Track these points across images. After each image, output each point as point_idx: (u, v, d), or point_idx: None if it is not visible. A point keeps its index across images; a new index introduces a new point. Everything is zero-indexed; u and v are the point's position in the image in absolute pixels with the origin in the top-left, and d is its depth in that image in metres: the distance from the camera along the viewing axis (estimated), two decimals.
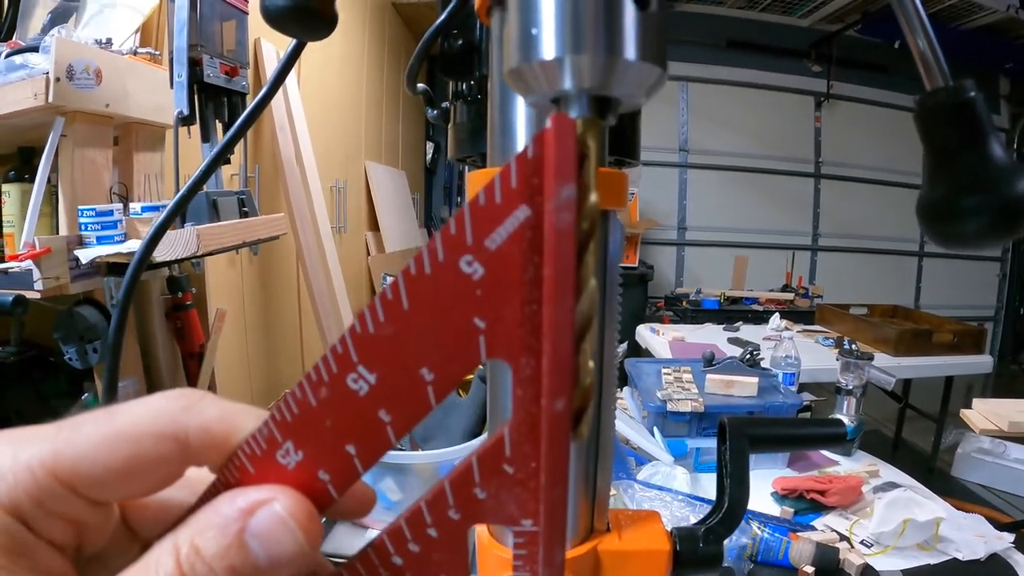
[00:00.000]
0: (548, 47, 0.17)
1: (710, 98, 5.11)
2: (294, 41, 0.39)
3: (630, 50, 0.17)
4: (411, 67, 0.45)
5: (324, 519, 0.17)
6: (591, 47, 0.17)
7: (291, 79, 2.17)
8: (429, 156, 4.95)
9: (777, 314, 2.53)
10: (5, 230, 1.40)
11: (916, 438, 3.50)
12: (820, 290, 4.72)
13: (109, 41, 1.34)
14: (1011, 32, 5.01)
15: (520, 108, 0.34)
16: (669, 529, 0.44)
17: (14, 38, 1.59)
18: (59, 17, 1.52)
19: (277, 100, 2.06)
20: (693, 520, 1.14)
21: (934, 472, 3.10)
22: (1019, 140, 5.59)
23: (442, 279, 0.15)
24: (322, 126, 2.56)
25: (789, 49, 5.05)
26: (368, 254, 3.31)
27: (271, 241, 1.42)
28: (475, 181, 0.37)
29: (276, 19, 0.34)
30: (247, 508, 0.17)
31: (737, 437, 0.45)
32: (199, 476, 0.19)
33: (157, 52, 1.41)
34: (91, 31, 1.44)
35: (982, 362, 2.79)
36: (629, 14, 0.17)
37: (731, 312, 3.99)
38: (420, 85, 0.47)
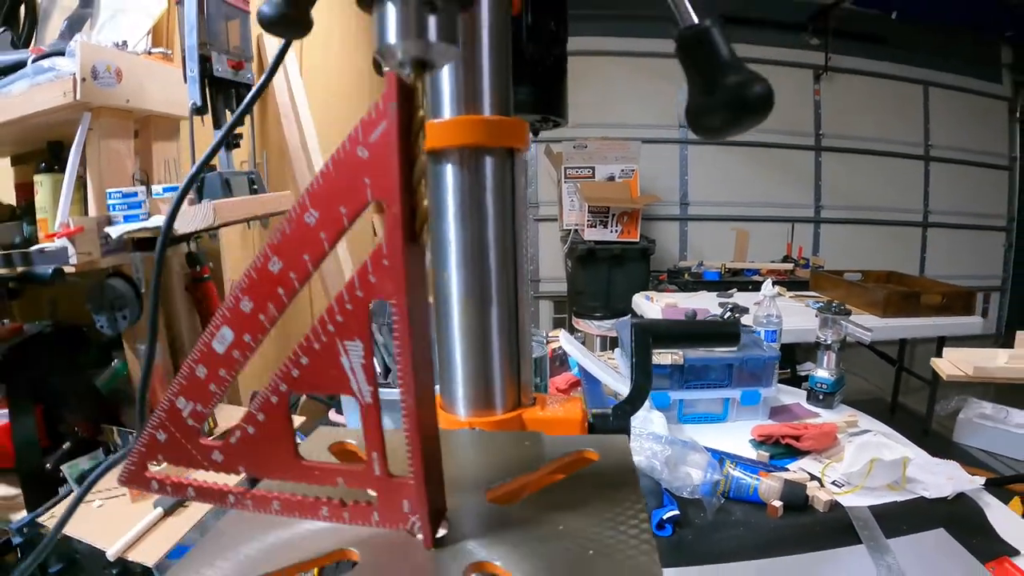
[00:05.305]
0: (391, 36, 0.31)
1: None
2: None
3: (432, 35, 0.31)
4: (377, 50, 0.57)
5: None
6: (412, 36, 0.31)
7: (293, 68, 2.29)
8: None
9: (769, 280, 2.62)
10: (39, 216, 1.54)
11: (919, 406, 3.55)
12: (822, 261, 4.78)
13: (125, 43, 1.47)
14: None
15: (445, 78, 0.47)
16: (587, 410, 0.57)
17: (32, 45, 1.71)
18: (75, 24, 1.63)
19: (280, 89, 2.19)
20: (659, 451, 1.25)
21: (929, 434, 3.14)
22: (1022, 109, 5.60)
23: (348, 158, 0.28)
24: (326, 111, 2.69)
25: (786, 23, 5.08)
26: (375, 235, 3.45)
27: (280, 215, 1.55)
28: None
29: (266, 24, 0.47)
30: None
31: (641, 334, 0.58)
32: None
33: (169, 51, 1.54)
34: (105, 35, 1.55)
35: (971, 323, 2.86)
36: (430, 16, 0.31)
37: (732, 283, 4.08)
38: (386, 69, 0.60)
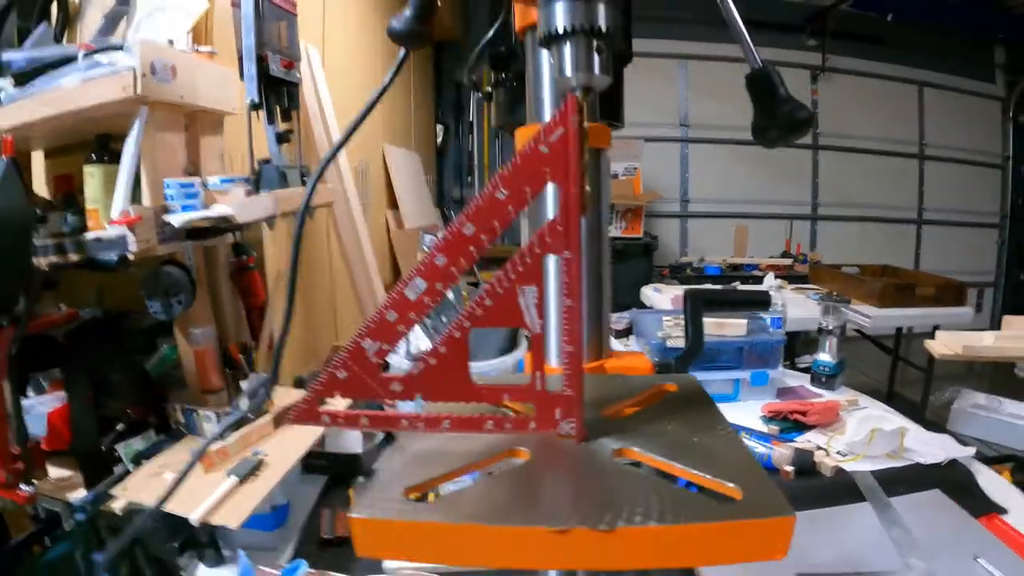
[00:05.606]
0: (568, 71, 0.43)
1: (708, 74, 5.28)
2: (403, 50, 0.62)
3: (597, 69, 0.43)
4: (469, 65, 0.68)
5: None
6: (583, 70, 0.43)
7: (319, 72, 2.39)
8: (440, 139, 5.16)
9: (771, 273, 2.74)
10: (89, 207, 1.61)
11: (915, 397, 3.62)
12: (819, 256, 4.91)
13: (171, 42, 1.54)
14: (1006, 1, 5.11)
15: (546, 91, 0.58)
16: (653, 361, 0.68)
17: (64, 40, 1.77)
18: (112, 21, 1.68)
19: (309, 92, 2.28)
20: None
21: (924, 422, 3.22)
22: (1015, 108, 5.73)
23: (532, 153, 0.38)
24: (347, 112, 2.79)
25: (784, 24, 5.18)
26: (388, 230, 3.55)
27: (324, 207, 1.64)
28: (522, 135, 0.61)
29: (396, 38, 0.57)
30: None
31: (694, 300, 0.69)
32: None
33: (216, 50, 1.62)
34: (142, 33, 1.60)
35: (962, 313, 2.98)
36: (595, 56, 0.42)
37: (732, 277, 4.20)
38: (472, 76, 0.70)
